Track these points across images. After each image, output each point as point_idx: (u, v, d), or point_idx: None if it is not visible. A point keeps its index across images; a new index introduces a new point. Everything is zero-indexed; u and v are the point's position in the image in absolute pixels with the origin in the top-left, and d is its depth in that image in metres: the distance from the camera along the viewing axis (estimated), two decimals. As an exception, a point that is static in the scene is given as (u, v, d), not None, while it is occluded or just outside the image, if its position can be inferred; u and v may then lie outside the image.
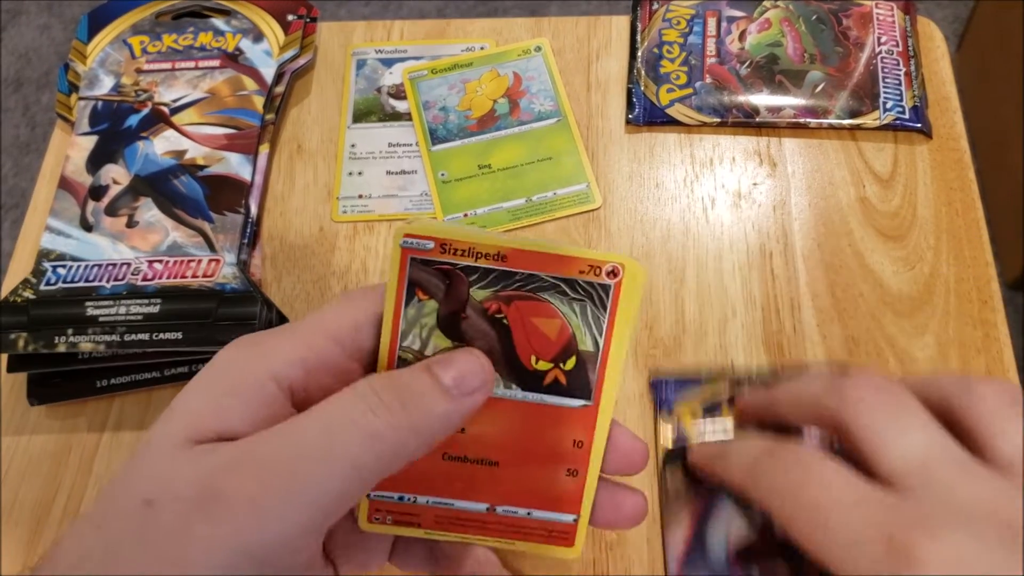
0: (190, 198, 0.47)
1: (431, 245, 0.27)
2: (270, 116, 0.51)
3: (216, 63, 0.52)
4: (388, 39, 0.56)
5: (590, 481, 0.29)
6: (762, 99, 0.51)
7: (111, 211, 0.47)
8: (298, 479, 0.23)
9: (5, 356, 0.44)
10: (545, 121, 0.52)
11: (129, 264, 0.45)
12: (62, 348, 0.41)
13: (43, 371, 0.44)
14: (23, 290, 0.44)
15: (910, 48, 0.52)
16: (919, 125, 0.49)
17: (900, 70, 0.51)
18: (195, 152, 0.49)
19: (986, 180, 0.54)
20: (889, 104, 0.50)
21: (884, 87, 0.50)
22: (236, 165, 0.49)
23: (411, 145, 0.52)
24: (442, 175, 0.50)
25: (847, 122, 0.50)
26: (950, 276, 0.46)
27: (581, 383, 0.28)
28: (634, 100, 0.52)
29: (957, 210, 0.48)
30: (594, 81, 0.53)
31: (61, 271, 0.45)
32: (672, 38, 0.53)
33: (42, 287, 0.44)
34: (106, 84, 0.52)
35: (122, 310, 0.42)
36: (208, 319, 0.42)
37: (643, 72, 0.52)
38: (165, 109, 0.51)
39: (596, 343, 0.28)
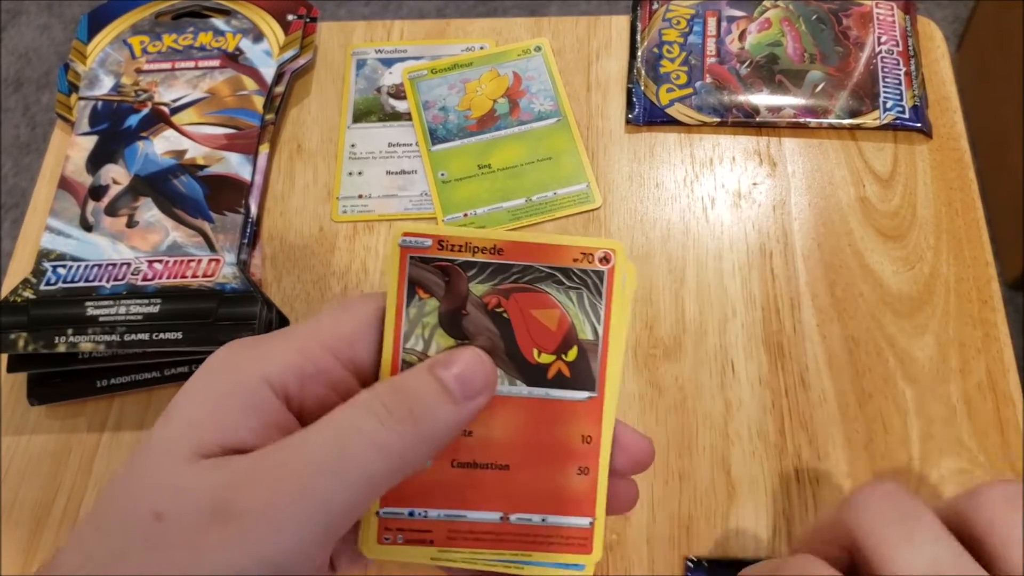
0: (190, 198, 0.47)
1: (429, 243, 0.27)
2: (270, 116, 0.51)
3: (216, 63, 0.52)
4: (388, 39, 0.56)
5: (601, 479, 0.29)
6: (762, 99, 0.51)
7: (111, 211, 0.47)
8: (312, 492, 0.23)
9: (5, 356, 0.44)
10: (545, 121, 0.52)
11: (129, 264, 0.45)
12: (62, 348, 0.41)
13: (43, 371, 0.44)
14: (23, 290, 0.44)
15: (910, 48, 0.52)
16: (919, 125, 0.49)
17: (900, 70, 0.51)
18: (195, 152, 0.49)
19: (986, 180, 0.54)
20: (889, 104, 0.50)
21: (884, 87, 0.50)
22: (236, 165, 0.49)
23: (411, 145, 0.52)
24: (442, 175, 0.50)
25: (847, 122, 0.50)
26: (950, 276, 0.46)
27: (584, 374, 0.28)
28: (634, 100, 0.52)
29: (957, 210, 0.48)
30: (594, 81, 0.53)
31: (61, 271, 0.45)
32: (672, 38, 0.53)
33: (42, 287, 0.44)
34: (106, 84, 0.52)
35: (122, 310, 0.42)
36: (208, 319, 0.42)
37: (643, 72, 0.52)
38: (165, 109, 0.51)
39: (595, 331, 0.28)
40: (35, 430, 0.44)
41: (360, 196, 0.50)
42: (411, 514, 0.29)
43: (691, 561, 0.39)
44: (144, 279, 0.44)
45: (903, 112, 0.50)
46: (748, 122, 0.50)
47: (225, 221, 0.47)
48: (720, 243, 0.47)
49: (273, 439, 0.25)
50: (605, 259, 0.28)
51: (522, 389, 0.28)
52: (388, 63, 0.55)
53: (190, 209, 0.47)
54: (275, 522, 0.23)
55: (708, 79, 0.52)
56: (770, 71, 0.52)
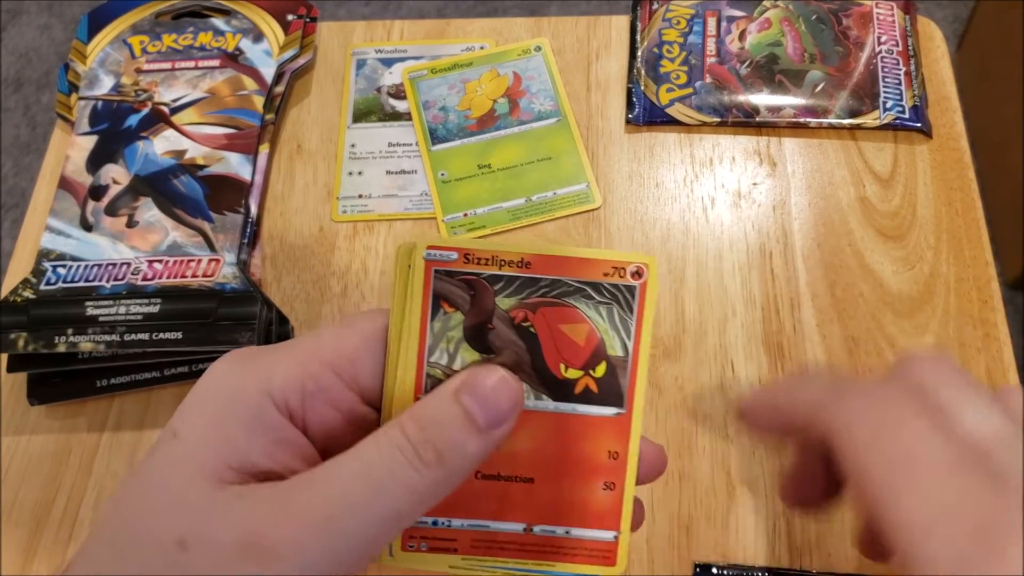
0: (190, 198, 0.47)
1: (454, 256, 0.27)
2: (270, 116, 0.51)
3: (216, 63, 0.52)
4: (388, 39, 0.56)
5: (627, 494, 0.29)
6: (762, 99, 0.51)
7: (111, 211, 0.47)
8: (344, 531, 0.24)
9: (5, 356, 0.44)
10: (545, 121, 0.52)
11: (129, 264, 0.45)
12: (62, 348, 0.41)
13: (43, 371, 0.44)
14: (23, 290, 0.44)
15: (910, 48, 0.52)
16: (919, 125, 0.49)
17: (900, 70, 0.51)
18: (195, 152, 0.49)
19: (986, 180, 0.54)
20: (889, 104, 0.50)
21: (884, 87, 0.50)
22: (236, 165, 0.49)
23: (411, 145, 0.52)
24: (442, 175, 0.50)
25: (847, 122, 0.50)
26: (950, 276, 0.46)
27: (613, 390, 0.28)
28: (634, 100, 0.52)
29: (957, 210, 0.48)
30: (594, 81, 0.53)
31: (61, 271, 0.45)
32: (672, 38, 0.53)
33: (42, 287, 0.44)
34: (106, 84, 0.52)
35: (122, 310, 0.42)
36: (208, 319, 0.42)
37: (643, 72, 0.52)
38: (165, 109, 0.51)
39: (625, 347, 0.27)
40: (35, 430, 0.44)
41: (360, 196, 0.50)
42: (435, 523, 0.29)
43: (699, 567, 0.39)
44: (144, 279, 0.44)
45: (903, 112, 0.50)
46: (748, 122, 0.50)
47: (225, 221, 0.47)
48: (720, 243, 0.47)
49: (284, 458, 0.25)
50: (637, 273, 0.27)
51: (548, 404, 0.28)
52: (388, 63, 0.55)
53: (190, 209, 0.47)
54: (308, 560, 0.23)
55: (708, 79, 0.52)
56: (770, 71, 0.52)
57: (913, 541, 0.22)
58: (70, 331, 0.41)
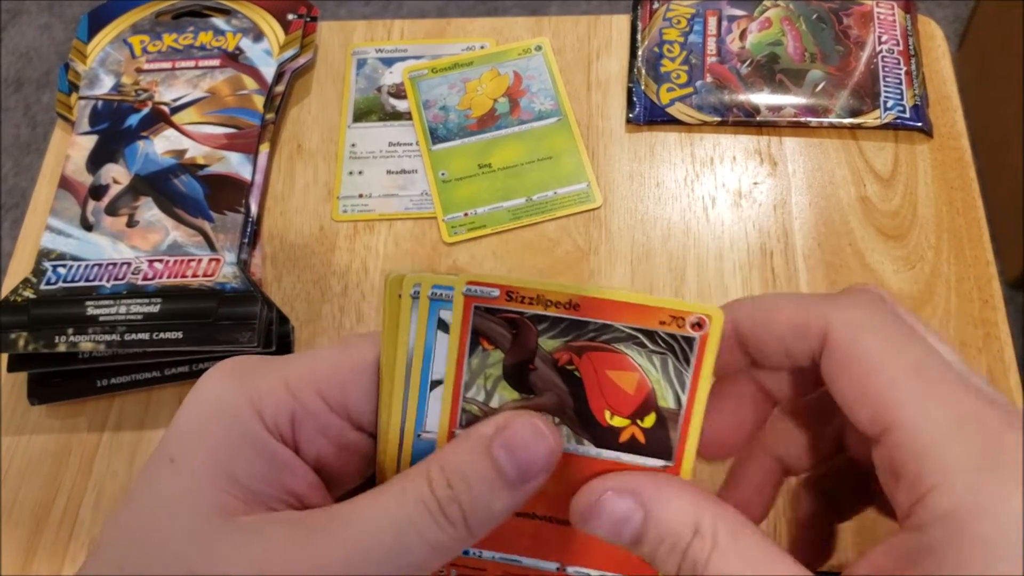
0: (190, 197, 0.47)
1: (496, 293, 0.26)
2: (270, 115, 0.51)
3: (216, 62, 0.52)
4: (388, 38, 0.56)
5: None
6: (763, 98, 0.51)
7: (111, 211, 0.47)
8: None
9: (5, 356, 0.44)
10: (545, 120, 0.52)
11: (129, 264, 0.45)
12: (62, 348, 0.41)
13: (43, 371, 0.44)
14: (23, 290, 0.44)
15: (911, 47, 0.52)
16: (920, 124, 0.49)
17: (901, 69, 0.51)
18: (195, 151, 0.49)
19: (986, 179, 0.54)
20: (890, 103, 0.50)
21: (885, 86, 0.50)
22: (236, 164, 0.49)
23: (411, 144, 0.52)
24: (442, 174, 0.50)
25: (848, 121, 0.50)
26: (951, 275, 0.46)
27: (661, 442, 0.26)
28: (634, 99, 0.52)
29: (958, 209, 0.48)
30: (594, 80, 0.53)
31: (61, 271, 0.45)
32: (672, 37, 0.53)
33: (42, 287, 0.44)
34: (106, 84, 0.52)
35: (122, 310, 0.42)
36: (208, 319, 0.42)
37: (643, 71, 0.52)
38: (165, 108, 0.51)
39: (678, 400, 0.26)
40: (35, 430, 0.44)
41: (360, 195, 0.50)
42: (465, 552, 0.28)
43: None
44: (144, 279, 0.44)
45: (904, 111, 0.50)
46: (749, 121, 0.50)
47: (225, 220, 0.47)
48: (721, 242, 0.47)
49: (286, 483, 0.25)
50: (698, 325, 0.25)
51: (590, 449, 0.26)
52: (388, 62, 0.55)
53: (190, 208, 0.47)
54: None
55: (709, 78, 0.52)
56: (771, 70, 0.51)
57: (934, 443, 0.22)
58: (70, 331, 0.41)
